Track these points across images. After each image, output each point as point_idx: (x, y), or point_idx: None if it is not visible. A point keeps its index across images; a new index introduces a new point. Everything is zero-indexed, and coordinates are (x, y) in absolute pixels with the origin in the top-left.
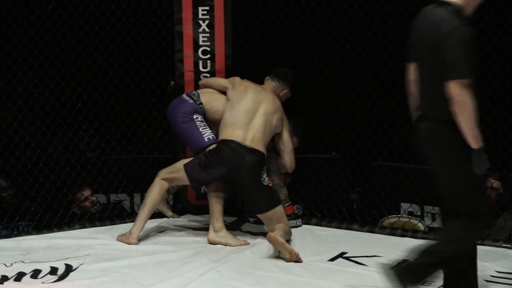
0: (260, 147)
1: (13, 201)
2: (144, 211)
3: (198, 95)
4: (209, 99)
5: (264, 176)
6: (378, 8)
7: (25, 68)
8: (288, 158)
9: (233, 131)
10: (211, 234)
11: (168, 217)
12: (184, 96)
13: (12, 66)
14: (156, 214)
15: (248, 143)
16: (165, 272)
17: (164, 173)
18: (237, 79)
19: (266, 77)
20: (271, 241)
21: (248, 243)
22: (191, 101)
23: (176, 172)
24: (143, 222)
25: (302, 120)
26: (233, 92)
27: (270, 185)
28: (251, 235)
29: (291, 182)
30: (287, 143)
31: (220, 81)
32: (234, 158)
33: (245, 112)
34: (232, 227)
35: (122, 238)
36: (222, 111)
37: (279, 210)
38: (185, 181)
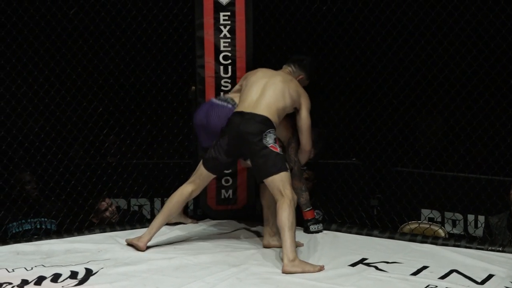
0: (263, 111)
1: (37, 195)
2: (159, 218)
3: (232, 99)
4: None
5: (269, 139)
6: (399, 14)
7: (47, 73)
8: (303, 137)
9: (244, 103)
10: (267, 239)
11: (187, 224)
12: (216, 101)
13: (33, 70)
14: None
15: (251, 110)
16: (184, 277)
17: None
18: (249, 72)
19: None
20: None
21: (302, 244)
22: (230, 105)
23: (197, 171)
24: (156, 229)
25: (324, 132)
26: (246, 78)
27: (276, 150)
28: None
29: (311, 187)
30: (304, 122)
31: (236, 86)
32: (233, 125)
33: (255, 86)
34: (252, 231)
35: (132, 241)
36: None
37: (278, 178)
38: (205, 173)
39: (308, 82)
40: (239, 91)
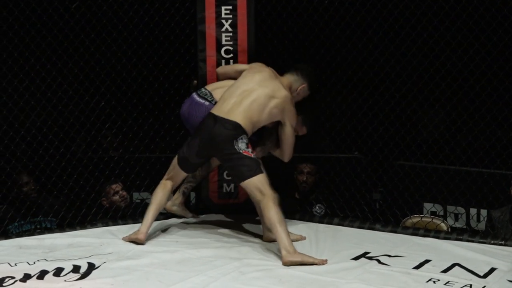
0: (237, 118)
1: (35, 196)
2: (151, 210)
3: (211, 94)
4: None
5: (240, 145)
6: (401, 8)
7: (49, 67)
8: (286, 150)
9: (221, 105)
10: (267, 233)
11: (188, 218)
12: (196, 97)
13: (35, 64)
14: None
15: (225, 115)
16: (187, 271)
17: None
18: (258, 64)
19: (285, 73)
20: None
21: (304, 237)
22: (206, 102)
23: (173, 166)
24: (150, 220)
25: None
26: (246, 72)
27: (249, 154)
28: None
29: (314, 181)
30: (287, 136)
31: (238, 67)
32: (205, 129)
33: (242, 90)
34: (254, 225)
35: (131, 236)
36: None
37: (256, 179)
38: (180, 171)
39: (309, 92)
40: (224, 87)
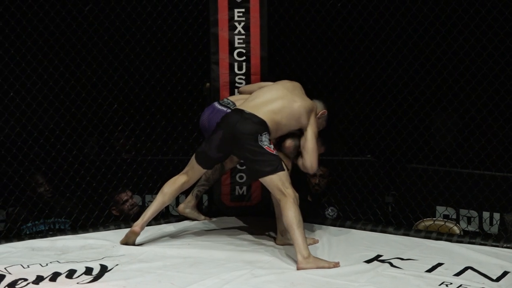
0: (263, 115)
1: (50, 197)
2: (152, 207)
3: (234, 103)
4: None
5: (264, 141)
6: (414, 11)
7: (62, 69)
8: (308, 158)
9: (247, 103)
10: (280, 236)
11: (201, 221)
12: (218, 106)
13: (48, 66)
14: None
15: (251, 110)
16: (199, 274)
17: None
18: (284, 80)
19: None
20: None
21: (317, 241)
22: (229, 110)
23: (190, 162)
24: (148, 217)
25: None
26: (274, 83)
27: (271, 151)
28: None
29: (326, 184)
30: (309, 143)
31: (264, 84)
32: (230, 122)
33: (270, 94)
34: (266, 228)
35: (126, 234)
36: None
37: (276, 177)
38: (196, 166)
39: (325, 125)
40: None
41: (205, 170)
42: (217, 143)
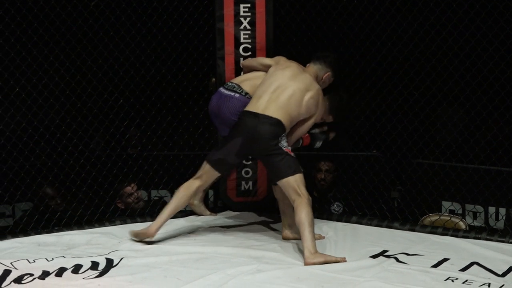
0: (277, 114)
1: (60, 210)
2: (166, 210)
3: (239, 86)
4: (252, 86)
5: (283, 143)
6: (420, 6)
7: (67, 64)
8: (295, 137)
9: (256, 102)
10: (286, 231)
11: (206, 216)
12: (224, 91)
13: (54, 62)
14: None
15: (264, 112)
16: (205, 269)
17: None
18: (282, 58)
19: (308, 63)
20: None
21: (323, 237)
22: (236, 95)
23: (203, 167)
24: (163, 220)
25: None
26: (274, 68)
27: (290, 153)
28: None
29: (332, 179)
30: (306, 126)
31: (263, 60)
32: (248, 127)
33: (275, 86)
34: (272, 223)
35: (139, 231)
36: None
37: (293, 179)
38: (211, 171)
39: (334, 79)
40: (258, 77)
41: (221, 175)
42: (237, 149)
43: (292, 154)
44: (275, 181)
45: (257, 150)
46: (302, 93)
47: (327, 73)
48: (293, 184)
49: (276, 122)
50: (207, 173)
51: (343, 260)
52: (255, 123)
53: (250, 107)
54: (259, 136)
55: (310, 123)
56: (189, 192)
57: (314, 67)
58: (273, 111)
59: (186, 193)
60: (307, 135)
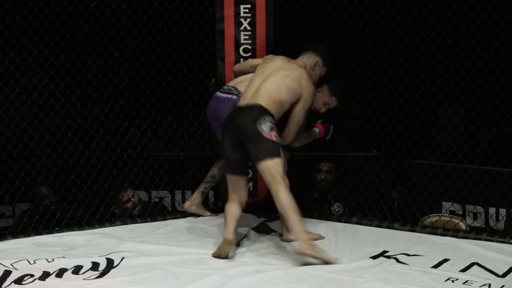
0: (255, 100)
1: (56, 208)
2: (230, 221)
3: (235, 88)
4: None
5: (263, 127)
6: (421, 6)
7: (68, 65)
8: (288, 129)
9: (242, 98)
10: (285, 233)
11: (206, 217)
12: (221, 94)
13: (54, 63)
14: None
15: (244, 103)
16: (205, 269)
17: None
18: (270, 55)
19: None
20: (300, 254)
21: (323, 237)
22: (234, 97)
23: (228, 183)
24: (233, 223)
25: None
26: (260, 65)
27: (271, 137)
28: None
29: (332, 180)
30: (295, 115)
31: (253, 62)
32: (230, 120)
33: (260, 80)
34: (272, 224)
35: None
36: None
37: (271, 163)
38: (234, 177)
39: (326, 69)
40: (246, 80)
41: (245, 176)
42: (231, 145)
43: (275, 139)
44: (255, 163)
45: (241, 138)
46: (283, 78)
47: (316, 60)
48: (270, 168)
49: (257, 108)
50: (232, 183)
51: (335, 260)
52: (235, 115)
53: (240, 102)
54: (238, 125)
55: (299, 107)
56: (238, 208)
57: (302, 58)
58: (252, 99)
59: (236, 205)
60: (321, 126)
